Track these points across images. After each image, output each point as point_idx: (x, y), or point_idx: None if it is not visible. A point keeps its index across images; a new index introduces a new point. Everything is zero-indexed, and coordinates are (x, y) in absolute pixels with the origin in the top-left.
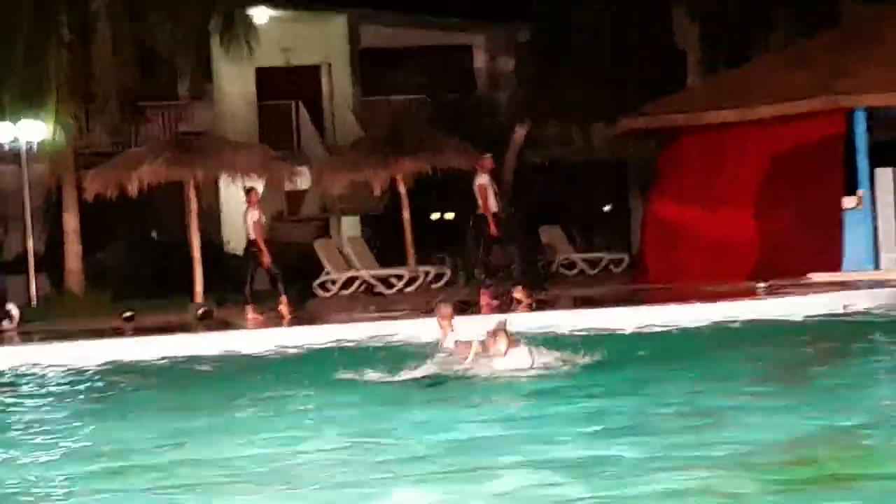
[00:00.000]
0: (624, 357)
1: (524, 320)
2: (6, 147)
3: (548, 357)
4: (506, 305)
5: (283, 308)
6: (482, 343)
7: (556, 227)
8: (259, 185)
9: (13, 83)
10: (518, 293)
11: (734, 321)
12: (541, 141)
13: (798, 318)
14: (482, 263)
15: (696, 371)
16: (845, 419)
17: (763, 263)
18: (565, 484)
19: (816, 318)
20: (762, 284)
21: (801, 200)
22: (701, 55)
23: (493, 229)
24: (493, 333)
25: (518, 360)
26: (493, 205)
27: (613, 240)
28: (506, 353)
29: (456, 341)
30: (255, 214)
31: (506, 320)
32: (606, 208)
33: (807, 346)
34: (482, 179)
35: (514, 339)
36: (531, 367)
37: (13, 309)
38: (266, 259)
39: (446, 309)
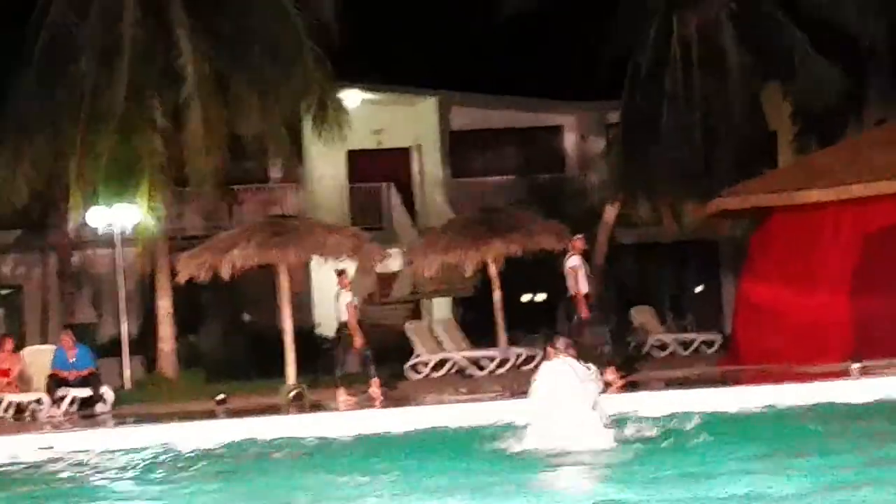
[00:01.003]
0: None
1: (615, 401)
2: (101, 231)
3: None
4: None
5: (375, 390)
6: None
7: (648, 308)
8: (350, 268)
9: (107, 168)
10: (609, 374)
11: (826, 403)
12: (632, 221)
13: (893, 399)
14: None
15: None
16: None
17: (858, 345)
18: None
19: None
20: (856, 366)
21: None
22: (793, 134)
23: (583, 311)
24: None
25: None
26: (583, 286)
27: (705, 320)
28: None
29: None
30: (347, 297)
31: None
32: (698, 289)
33: None
34: (573, 261)
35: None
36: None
37: (107, 392)
38: (359, 341)
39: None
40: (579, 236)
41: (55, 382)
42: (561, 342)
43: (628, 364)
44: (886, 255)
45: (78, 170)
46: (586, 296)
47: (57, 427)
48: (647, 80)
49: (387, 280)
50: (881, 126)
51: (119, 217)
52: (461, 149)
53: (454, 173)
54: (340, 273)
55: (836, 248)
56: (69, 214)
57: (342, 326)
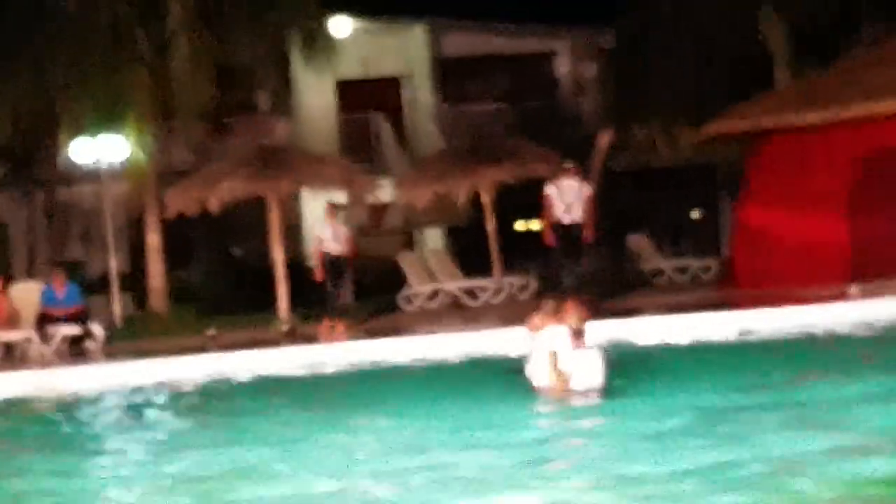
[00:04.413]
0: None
1: (606, 328)
2: (87, 167)
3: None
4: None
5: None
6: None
7: (644, 235)
8: (341, 199)
9: (92, 101)
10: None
11: (825, 326)
12: (626, 147)
13: (891, 320)
14: (569, 271)
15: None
16: None
17: (855, 266)
18: None
19: None
20: (854, 287)
21: (894, 201)
22: (789, 56)
23: (548, 238)
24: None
25: (590, 369)
26: (560, 214)
27: (702, 245)
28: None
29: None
30: (324, 230)
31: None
32: (694, 214)
33: None
34: (547, 189)
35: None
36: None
37: (97, 328)
38: (318, 274)
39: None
40: (569, 163)
41: (44, 320)
42: (550, 306)
43: (624, 291)
44: (883, 177)
45: (64, 106)
46: (579, 225)
47: (47, 364)
48: (639, 4)
49: (378, 211)
50: (876, 46)
51: (106, 152)
52: (452, 76)
53: (445, 101)
54: (332, 206)
55: (832, 170)
56: (58, 151)
57: (335, 258)
